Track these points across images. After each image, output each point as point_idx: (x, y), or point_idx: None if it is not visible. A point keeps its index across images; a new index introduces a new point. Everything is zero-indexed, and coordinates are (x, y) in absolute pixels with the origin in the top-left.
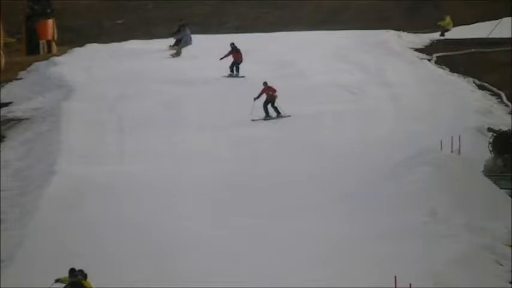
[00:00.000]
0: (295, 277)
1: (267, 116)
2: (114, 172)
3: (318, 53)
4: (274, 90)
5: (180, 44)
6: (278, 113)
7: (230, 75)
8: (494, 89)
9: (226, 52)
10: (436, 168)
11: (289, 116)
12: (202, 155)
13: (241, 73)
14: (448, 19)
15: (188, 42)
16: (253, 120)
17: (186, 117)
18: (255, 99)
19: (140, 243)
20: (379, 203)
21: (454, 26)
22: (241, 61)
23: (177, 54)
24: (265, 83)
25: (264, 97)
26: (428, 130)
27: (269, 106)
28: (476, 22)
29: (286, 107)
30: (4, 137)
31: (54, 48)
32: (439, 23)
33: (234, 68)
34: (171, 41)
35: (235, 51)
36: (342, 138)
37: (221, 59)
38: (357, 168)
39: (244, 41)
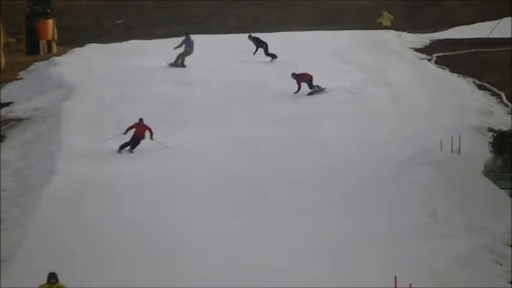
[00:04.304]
0: (295, 277)
1: (120, 151)
2: (114, 172)
3: (318, 53)
4: (147, 129)
5: (181, 53)
6: (129, 149)
7: (312, 93)
8: (494, 89)
9: (297, 85)
10: (436, 168)
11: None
12: (202, 154)
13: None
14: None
15: (189, 51)
16: (119, 152)
17: (186, 117)
18: (123, 133)
19: (140, 243)
20: (379, 203)
21: (454, 26)
22: (311, 77)
23: (182, 64)
24: (140, 120)
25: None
26: (428, 130)
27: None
28: (476, 22)
29: (286, 107)
30: (4, 137)
31: (54, 48)
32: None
33: (311, 85)
34: (172, 41)
35: (300, 76)
36: (342, 138)
37: (295, 92)
38: (357, 168)
39: (244, 41)
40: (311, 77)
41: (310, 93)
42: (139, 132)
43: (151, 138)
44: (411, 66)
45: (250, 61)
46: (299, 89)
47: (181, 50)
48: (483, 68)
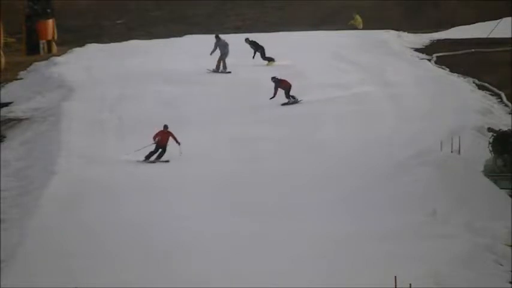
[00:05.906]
0: (295, 277)
1: (149, 160)
2: (114, 172)
3: (318, 53)
4: (171, 136)
5: (219, 58)
6: (156, 159)
7: (287, 103)
8: (494, 89)
9: (273, 90)
10: (436, 168)
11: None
12: (202, 154)
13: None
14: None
15: (226, 53)
16: (150, 161)
17: (186, 117)
18: (153, 143)
19: (140, 243)
20: (380, 203)
21: (454, 26)
22: (290, 86)
23: (224, 69)
24: (165, 126)
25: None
26: (428, 130)
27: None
28: (476, 22)
29: (286, 107)
30: (4, 137)
31: (54, 48)
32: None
33: (288, 95)
34: (173, 41)
35: (280, 82)
36: (342, 139)
37: (271, 98)
38: (357, 168)
39: (244, 41)
40: (290, 85)
41: (284, 104)
42: (163, 139)
43: (178, 143)
44: (411, 66)
45: (250, 61)
46: (275, 94)
47: (218, 54)
48: (483, 68)
